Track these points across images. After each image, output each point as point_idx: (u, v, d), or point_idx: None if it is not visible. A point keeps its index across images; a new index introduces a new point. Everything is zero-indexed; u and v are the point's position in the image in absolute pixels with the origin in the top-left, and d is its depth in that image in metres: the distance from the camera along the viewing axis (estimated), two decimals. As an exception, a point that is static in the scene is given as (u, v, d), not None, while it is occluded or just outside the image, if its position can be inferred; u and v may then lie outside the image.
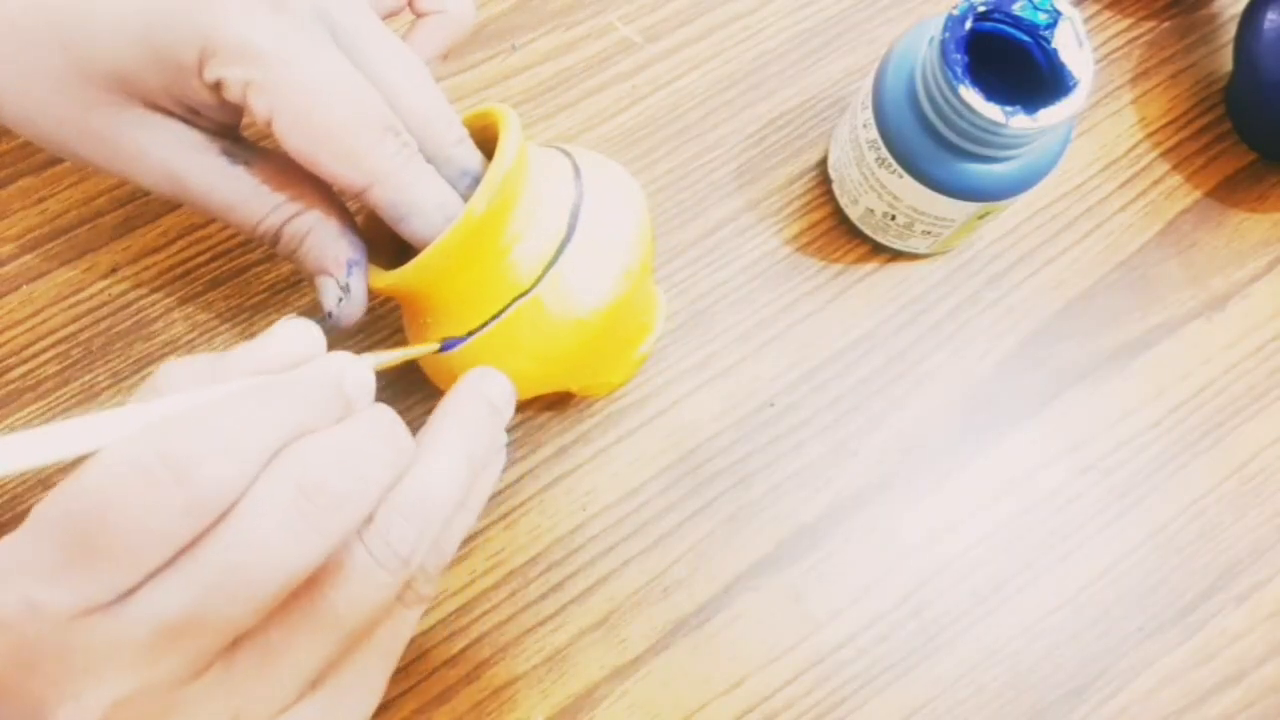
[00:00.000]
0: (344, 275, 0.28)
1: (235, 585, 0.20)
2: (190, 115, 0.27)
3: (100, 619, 0.20)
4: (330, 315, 0.28)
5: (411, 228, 0.26)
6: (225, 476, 0.20)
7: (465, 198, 0.27)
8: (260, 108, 0.25)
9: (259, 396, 0.21)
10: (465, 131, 0.28)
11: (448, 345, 0.28)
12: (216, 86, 0.25)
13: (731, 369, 0.37)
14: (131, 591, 0.20)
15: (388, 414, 0.23)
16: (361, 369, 0.23)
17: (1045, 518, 0.36)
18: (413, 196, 0.26)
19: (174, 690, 0.20)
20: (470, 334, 0.28)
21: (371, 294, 0.28)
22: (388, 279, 0.27)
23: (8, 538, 0.20)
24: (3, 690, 0.20)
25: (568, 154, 0.30)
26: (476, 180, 0.27)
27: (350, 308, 0.28)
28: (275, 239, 0.28)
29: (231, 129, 0.28)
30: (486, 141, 0.28)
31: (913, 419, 0.37)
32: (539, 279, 0.27)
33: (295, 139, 0.25)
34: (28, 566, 0.20)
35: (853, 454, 0.36)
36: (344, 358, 0.23)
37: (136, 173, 0.27)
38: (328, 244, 0.28)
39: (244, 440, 0.20)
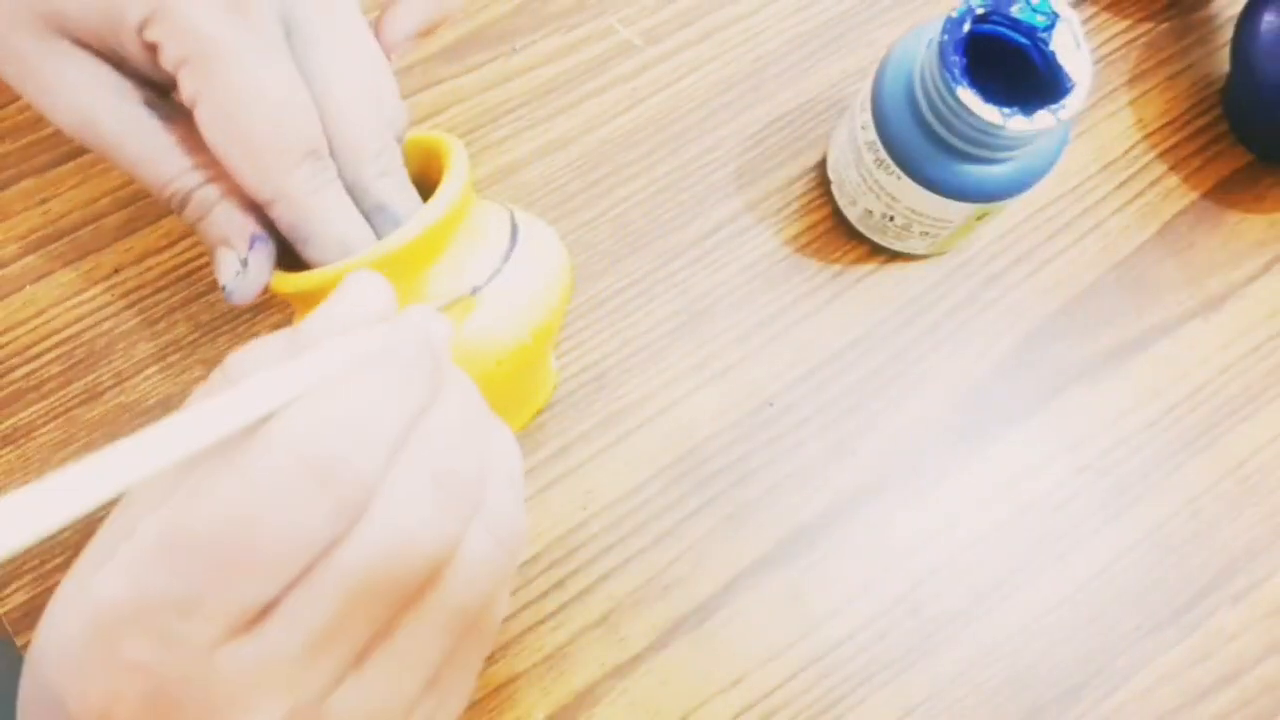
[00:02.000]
0: (245, 249, 0.26)
1: (381, 585, 0.19)
2: (119, 62, 0.26)
3: (245, 643, 0.18)
4: (225, 288, 0.27)
5: (308, 253, 0.26)
6: (366, 471, 0.19)
7: (381, 233, 0.26)
8: (188, 88, 0.24)
9: (376, 379, 0.20)
10: (397, 162, 0.27)
11: None
12: (152, 48, 0.24)
13: (731, 369, 0.37)
14: (274, 605, 0.19)
15: (470, 383, 0.23)
16: (444, 322, 0.23)
17: (1042, 517, 0.36)
18: (314, 225, 0.25)
19: (319, 704, 0.19)
20: None
21: (269, 290, 0.27)
22: (285, 282, 0.27)
23: (120, 562, 0.18)
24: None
25: (509, 211, 0.29)
26: (394, 218, 0.26)
27: (246, 284, 0.27)
28: (182, 203, 0.27)
29: (159, 87, 0.27)
30: (421, 165, 0.28)
31: (911, 419, 0.37)
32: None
33: (212, 132, 0.24)
34: (160, 597, 0.18)
35: (851, 453, 0.36)
36: (425, 313, 0.22)
37: (51, 105, 0.26)
38: (234, 217, 0.26)
39: (376, 428, 0.19)
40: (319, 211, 0.25)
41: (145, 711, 0.18)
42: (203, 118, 0.24)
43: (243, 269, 0.26)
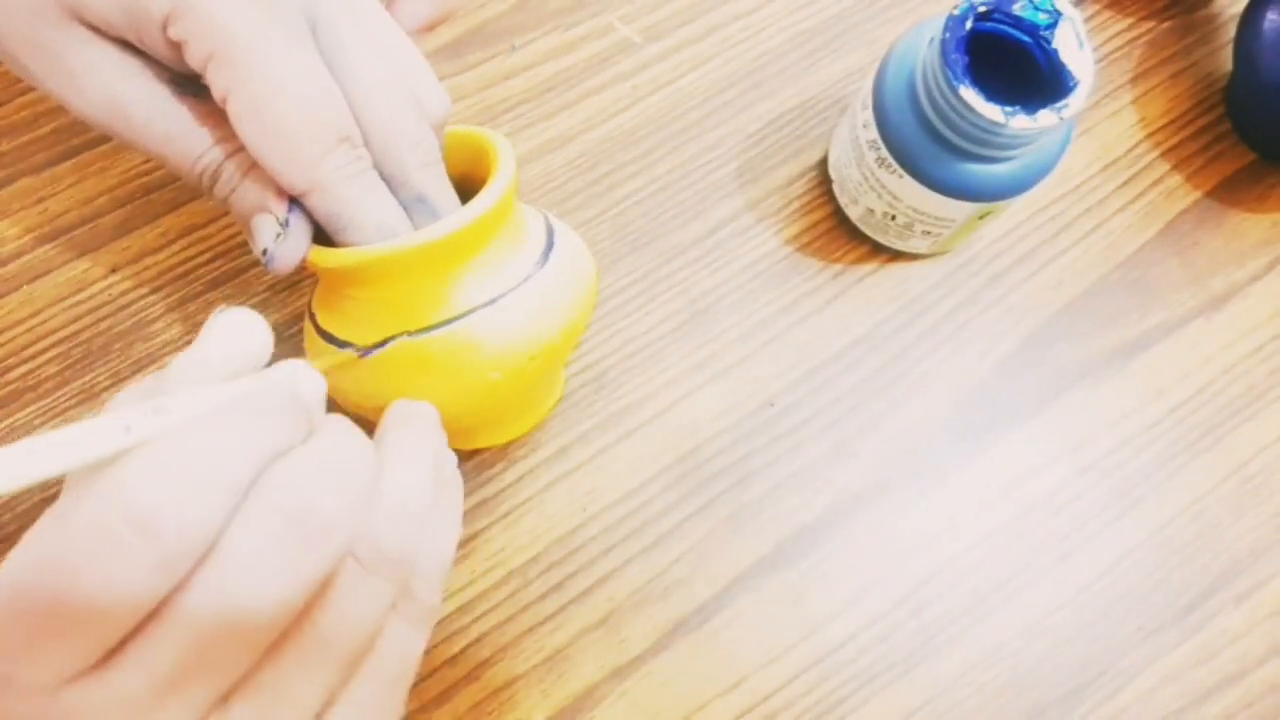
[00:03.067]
0: (284, 212, 0.26)
1: (228, 629, 0.19)
2: (144, 49, 0.26)
3: (87, 685, 0.18)
4: (266, 253, 0.26)
5: (345, 239, 0.26)
6: (196, 521, 0.18)
7: (418, 224, 0.26)
8: (217, 84, 0.24)
9: (223, 424, 0.19)
10: (436, 154, 0.27)
11: (366, 352, 0.27)
12: (178, 46, 0.24)
13: (731, 369, 0.37)
14: (116, 651, 0.18)
15: (347, 423, 0.22)
16: (315, 376, 0.22)
17: (1045, 518, 0.36)
18: (351, 212, 0.25)
19: None
20: (391, 339, 0.26)
21: (306, 265, 0.27)
22: (325, 257, 0.26)
23: None
24: None
25: (544, 215, 0.30)
26: (433, 211, 0.26)
27: (287, 248, 0.26)
28: (215, 176, 0.26)
29: (185, 76, 0.26)
30: (469, 159, 0.28)
31: (912, 419, 0.37)
32: (472, 310, 0.26)
33: (245, 127, 0.24)
34: None
35: (853, 454, 0.36)
36: (295, 366, 0.22)
37: (76, 92, 0.26)
38: (270, 181, 0.26)
39: (214, 477, 0.19)
40: (355, 198, 0.25)
41: None
42: (234, 112, 0.24)
43: (283, 231, 0.26)
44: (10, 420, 0.34)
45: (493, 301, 0.26)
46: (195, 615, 0.19)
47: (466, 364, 0.26)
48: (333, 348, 0.27)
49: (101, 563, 0.18)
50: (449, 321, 0.26)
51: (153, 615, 0.18)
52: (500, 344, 0.26)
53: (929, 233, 0.35)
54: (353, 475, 0.20)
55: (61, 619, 0.18)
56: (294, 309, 0.36)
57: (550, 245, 0.28)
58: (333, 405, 0.24)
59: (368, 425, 0.23)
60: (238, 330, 0.22)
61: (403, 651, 0.23)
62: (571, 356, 0.36)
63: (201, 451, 0.19)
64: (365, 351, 0.26)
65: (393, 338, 0.26)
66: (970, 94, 0.29)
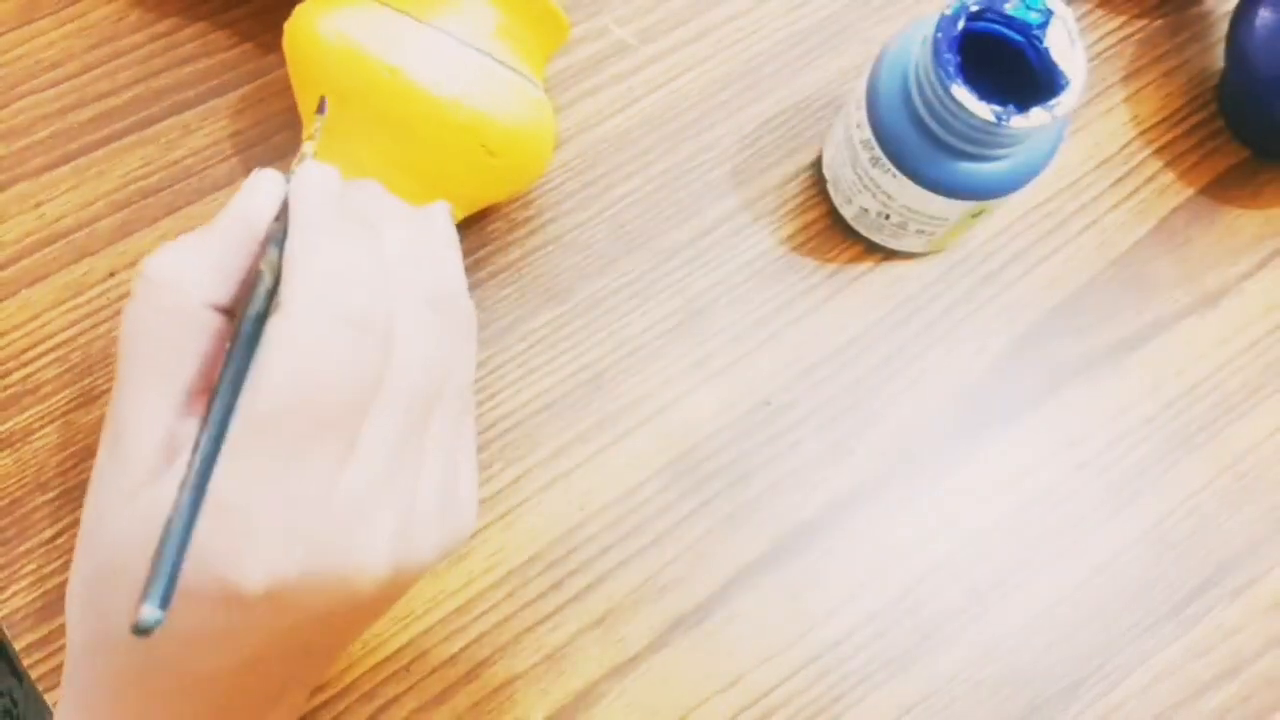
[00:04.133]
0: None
1: (420, 391, 0.23)
2: None
3: (352, 471, 0.22)
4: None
5: None
6: (387, 311, 0.23)
7: None
8: None
9: (335, 230, 0.23)
10: None
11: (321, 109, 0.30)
12: None
13: (728, 368, 0.37)
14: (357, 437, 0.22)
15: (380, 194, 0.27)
16: (332, 170, 0.26)
17: (1041, 514, 0.36)
18: None
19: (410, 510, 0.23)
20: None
21: None
22: None
23: (228, 463, 0.21)
24: (309, 566, 0.22)
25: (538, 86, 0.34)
26: None
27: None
28: None
29: None
30: None
31: (908, 417, 0.37)
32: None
33: None
34: (276, 463, 0.21)
35: (849, 452, 0.36)
36: (315, 168, 0.25)
37: None
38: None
39: (367, 273, 0.23)
40: None
41: (303, 560, 0.21)
42: None
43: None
44: (9, 424, 0.34)
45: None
46: (397, 389, 0.23)
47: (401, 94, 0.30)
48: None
49: (345, 360, 0.22)
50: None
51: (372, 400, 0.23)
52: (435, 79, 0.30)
53: (923, 231, 0.36)
54: (452, 248, 0.27)
55: (324, 419, 0.21)
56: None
57: (515, 71, 0.32)
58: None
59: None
60: (269, 185, 0.25)
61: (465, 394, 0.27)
62: (568, 356, 0.36)
63: (347, 258, 0.23)
64: (320, 109, 0.30)
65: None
66: (963, 93, 0.30)
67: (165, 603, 0.19)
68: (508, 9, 0.32)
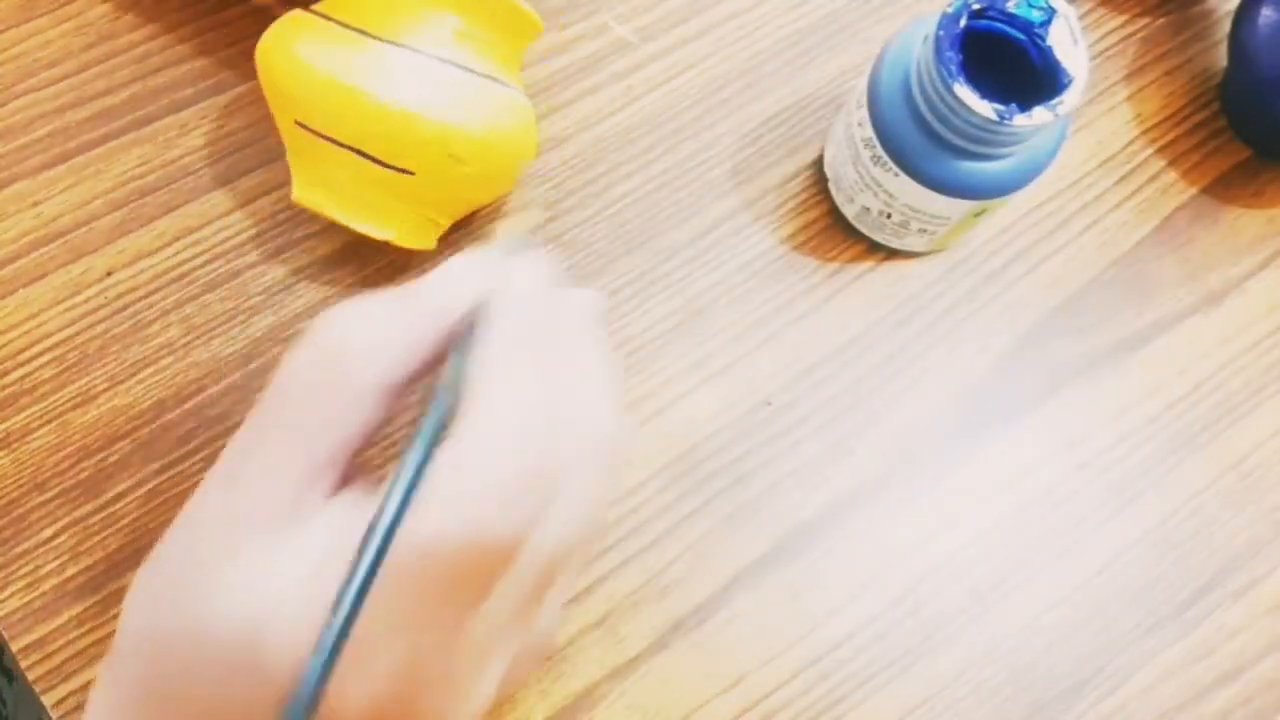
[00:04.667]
0: None
1: (558, 557, 0.22)
2: None
3: (476, 617, 0.21)
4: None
5: None
6: (555, 467, 0.21)
7: None
8: None
9: (534, 364, 0.22)
10: None
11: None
12: None
13: (728, 368, 0.37)
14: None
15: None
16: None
17: (1042, 515, 0.36)
18: None
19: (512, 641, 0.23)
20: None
21: None
22: None
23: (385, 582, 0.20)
24: (411, 709, 0.21)
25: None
26: None
27: None
28: None
29: None
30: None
31: (909, 417, 0.37)
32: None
33: None
34: (400, 604, 0.20)
35: (850, 452, 0.36)
36: (522, 269, 0.24)
37: None
38: None
39: (553, 414, 0.22)
40: None
41: (404, 701, 0.20)
42: None
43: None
44: (7, 424, 0.34)
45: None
46: (544, 549, 0.22)
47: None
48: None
49: (508, 514, 0.20)
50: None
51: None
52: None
53: (925, 230, 0.35)
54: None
55: (473, 568, 0.20)
56: (290, 310, 0.36)
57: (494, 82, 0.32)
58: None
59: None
60: (466, 272, 0.23)
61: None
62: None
63: (544, 395, 0.22)
64: None
65: None
66: (965, 91, 0.29)
67: (310, 710, 0.19)
68: (470, 13, 0.32)
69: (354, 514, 0.21)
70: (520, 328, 0.22)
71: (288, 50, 0.31)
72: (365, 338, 0.22)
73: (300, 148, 0.32)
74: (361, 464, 0.23)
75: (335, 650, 0.19)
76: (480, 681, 0.22)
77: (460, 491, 0.20)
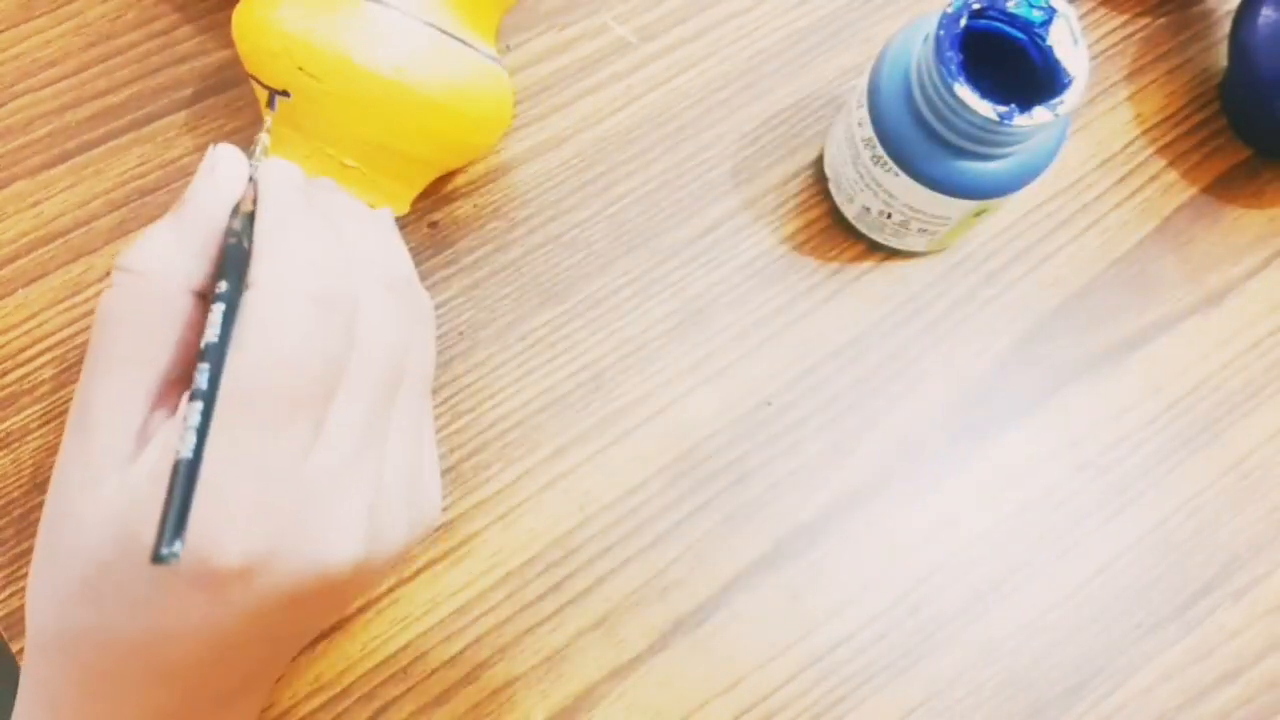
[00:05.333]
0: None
1: (383, 373, 0.24)
2: None
3: (319, 453, 0.23)
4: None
5: None
6: (347, 289, 0.23)
7: None
8: None
9: (300, 220, 0.24)
10: None
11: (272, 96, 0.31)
12: None
13: (728, 368, 0.37)
14: (325, 419, 0.23)
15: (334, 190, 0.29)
16: (294, 168, 0.27)
17: (1042, 515, 0.36)
18: None
19: (369, 478, 0.24)
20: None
21: None
22: None
23: (216, 439, 0.21)
24: (282, 544, 0.22)
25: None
26: None
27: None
28: None
29: None
30: None
31: (910, 417, 0.37)
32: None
33: None
34: (252, 439, 0.22)
35: (850, 452, 0.36)
36: (277, 164, 0.26)
37: None
38: None
39: (330, 258, 0.24)
40: None
41: (272, 535, 0.22)
42: None
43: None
44: (6, 424, 0.34)
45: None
46: (363, 371, 0.23)
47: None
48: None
49: (315, 339, 0.22)
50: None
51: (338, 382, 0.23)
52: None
53: (925, 230, 0.35)
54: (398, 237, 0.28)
55: (295, 398, 0.22)
56: (290, 311, 0.36)
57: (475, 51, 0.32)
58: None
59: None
60: (231, 162, 0.26)
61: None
62: (568, 356, 0.36)
63: (311, 243, 0.24)
64: (270, 104, 0.31)
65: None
66: (965, 91, 0.29)
67: (178, 535, 0.19)
68: None
69: (179, 411, 0.22)
70: (290, 191, 0.25)
71: (263, 12, 0.31)
72: (155, 255, 0.23)
73: (264, 104, 0.33)
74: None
75: (188, 487, 0.20)
76: (344, 511, 0.23)
77: (267, 323, 0.22)
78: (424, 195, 0.38)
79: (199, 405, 0.21)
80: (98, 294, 0.36)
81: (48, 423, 0.34)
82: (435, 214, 0.37)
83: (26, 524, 0.33)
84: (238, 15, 0.32)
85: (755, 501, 0.35)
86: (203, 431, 0.20)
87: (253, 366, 0.21)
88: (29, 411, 0.35)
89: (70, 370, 0.35)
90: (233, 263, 0.23)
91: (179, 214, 0.24)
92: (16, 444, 0.34)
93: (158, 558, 0.19)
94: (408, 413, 0.26)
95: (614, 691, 0.33)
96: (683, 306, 0.37)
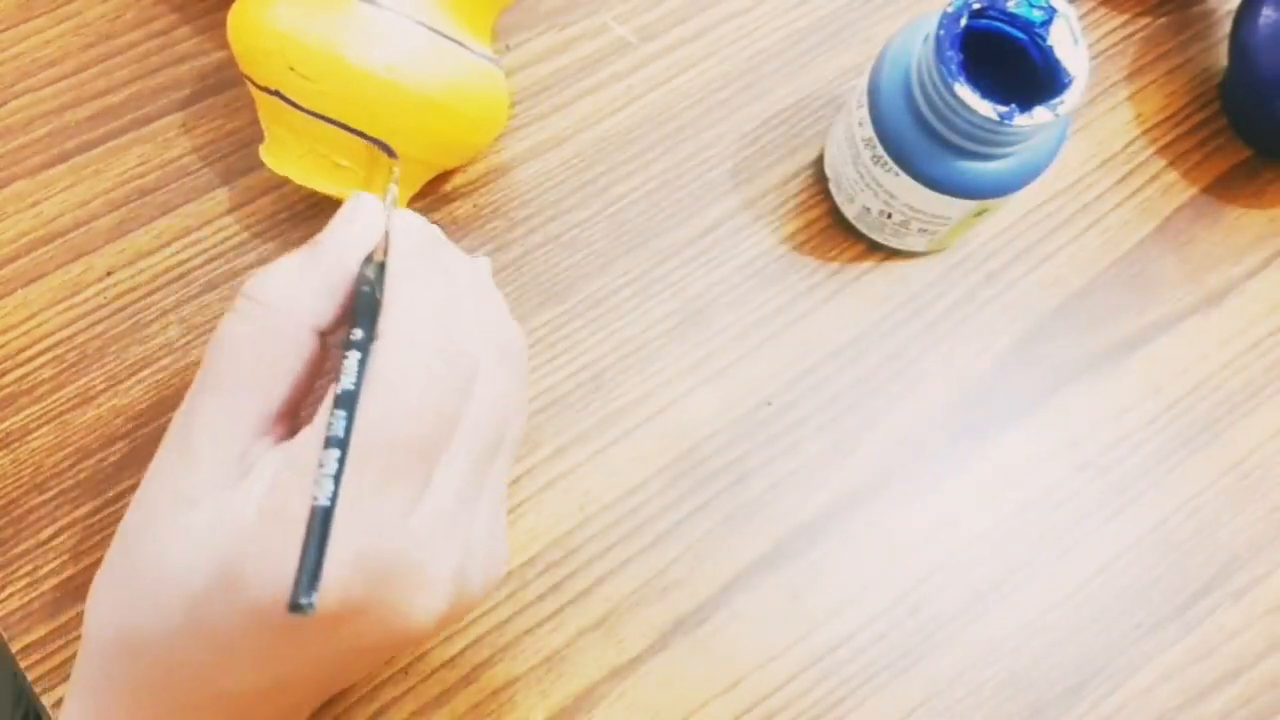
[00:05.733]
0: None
1: (493, 436, 0.24)
2: None
3: (422, 507, 0.23)
4: None
5: None
6: (468, 350, 0.24)
7: None
8: None
9: (421, 272, 0.25)
10: None
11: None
12: None
13: (728, 368, 0.37)
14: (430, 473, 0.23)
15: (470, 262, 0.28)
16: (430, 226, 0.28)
17: (1042, 515, 0.36)
18: None
19: (464, 533, 0.24)
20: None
21: None
22: None
23: (349, 480, 0.21)
24: (376, 596, 0.22)
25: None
26: None
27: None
28: None
29: None
30: None
31: (910, 417, 0.37)
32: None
33: None
34: (363, 489, 0.22)
35: (850, 452, 0.36)
36: (417, 219, 0.27)
37: None
38: None
39: (455, 315, 0.25)
40: None
41: (370, 586, 0.22)
42: None
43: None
44: (6, 424, 0.34)
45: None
46: (474, 428, 0.24)
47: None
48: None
49: (437, 394, 0.22)
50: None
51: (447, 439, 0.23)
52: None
53: (925, 230, 0.35)
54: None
55: (412, 451, 0.22)
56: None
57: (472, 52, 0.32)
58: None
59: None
60: (371, 210, 0.26)
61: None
62: (568, 356, 0.36)
63: (451, 297, 0.25)
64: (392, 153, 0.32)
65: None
66: (966, 91, 0.29)
67: (314, 586, 0.19)
68: None
69: (293, 449, 0.22)
70: (421, 246, 0.26)
71: (257, 13, 0.31)
72: (286, 290, 0.24)
73: (269, 111, 0.33)
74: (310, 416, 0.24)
75: (323, 536, 0.20)
76: (438, 568, 0.23)
77: (393, 376, 0.22)
78: (421, 195, 0.37)
79: (336, 453, 0.21)
80: (97, 294, 0.36)
81: (47, 423, 0.34)
82: (435, 214, 0.37)
83: (25, 525, 0.33)
84: (233, 16, 0.32)
85: (755, 501, 0.35)
86: (338, 479, 0.21)
87: (379, 418, 0.22)
88: (28, 411, 0.34)
89: (69, 370, 0.35)
90: (365, 310, 0.23)
91: (313, 254, 0.25)
92: (16, 444, 0.34)
93: (295, 607, 0.19)
94: (500, 474, 0.26)
95: (614, 691, 0.33)
96: (683, 306, 0.37)
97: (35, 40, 0.38)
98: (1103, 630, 0.35)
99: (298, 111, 0.31)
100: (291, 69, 0.30)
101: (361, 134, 0.32)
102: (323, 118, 0.31)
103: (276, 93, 0.31)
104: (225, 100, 0.38)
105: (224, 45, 0.39)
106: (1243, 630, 0.35)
